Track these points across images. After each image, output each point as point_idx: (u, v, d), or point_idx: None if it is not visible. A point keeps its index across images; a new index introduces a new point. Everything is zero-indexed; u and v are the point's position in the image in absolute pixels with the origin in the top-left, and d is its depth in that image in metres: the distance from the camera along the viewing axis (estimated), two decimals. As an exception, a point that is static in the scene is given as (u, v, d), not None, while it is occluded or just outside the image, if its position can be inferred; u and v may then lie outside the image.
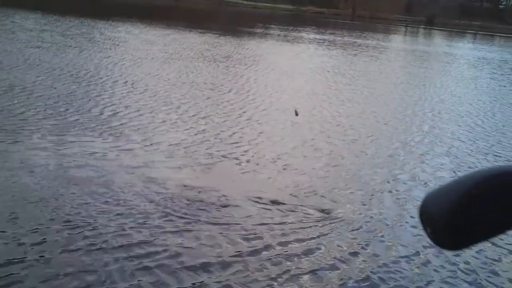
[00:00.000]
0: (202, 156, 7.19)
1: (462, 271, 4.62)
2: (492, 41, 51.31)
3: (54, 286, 3.78)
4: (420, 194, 6.33)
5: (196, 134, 8.26)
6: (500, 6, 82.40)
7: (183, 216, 5.12)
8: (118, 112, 9.10)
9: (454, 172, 7.55)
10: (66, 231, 4.57)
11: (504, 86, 18.37)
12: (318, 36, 34.31)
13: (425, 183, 6.94)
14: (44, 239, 4.40)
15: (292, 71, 16.73)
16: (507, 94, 16.43)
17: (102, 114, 8.89)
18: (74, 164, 6.30)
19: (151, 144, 7.48)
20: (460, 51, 33.93)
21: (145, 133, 8.01)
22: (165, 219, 5.02)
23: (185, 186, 5.94)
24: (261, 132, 8.76)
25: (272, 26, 42.01)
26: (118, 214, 5.01)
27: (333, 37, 35.00)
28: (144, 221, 4.92)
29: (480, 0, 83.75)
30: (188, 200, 5.54)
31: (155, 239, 4.59)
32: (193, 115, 9.48)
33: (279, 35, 33.37)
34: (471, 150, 8.93)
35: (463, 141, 9.54)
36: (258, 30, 34.82)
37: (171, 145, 7.55)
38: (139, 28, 26.48)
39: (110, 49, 17.03)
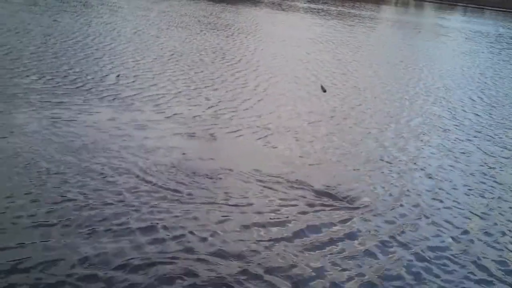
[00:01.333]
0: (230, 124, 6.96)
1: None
2: (483, 14, 51.11)
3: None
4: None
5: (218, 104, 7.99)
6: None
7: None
8: (131, 82, 8.77)
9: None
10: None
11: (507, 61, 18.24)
12: (312, 6, 33.76)
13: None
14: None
15: (296, 41, 16.39)
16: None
17: (112, 82, 8.56)
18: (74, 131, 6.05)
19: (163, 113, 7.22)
20: (454, 24, 33.71)
21: (158, 105, 7.72)
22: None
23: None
24: (279, 106, 8.53)
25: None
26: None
27: (327, 7, 34.48)
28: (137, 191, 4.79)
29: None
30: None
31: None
32: (206, 87, 9.19)
33: (273, 3, 32.72)
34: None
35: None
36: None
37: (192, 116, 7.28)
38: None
39: (107, 15, 16.46)
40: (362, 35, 20.93)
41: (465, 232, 4.90)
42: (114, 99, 7.67)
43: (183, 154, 5.87)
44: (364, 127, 7.94)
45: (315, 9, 31.24)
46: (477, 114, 9.62)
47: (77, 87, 8.01)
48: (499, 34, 28.83)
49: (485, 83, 13.06)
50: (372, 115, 8.68)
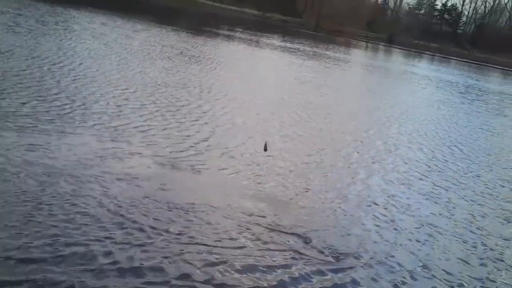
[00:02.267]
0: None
1: None
2: (450, 64, 52.98)
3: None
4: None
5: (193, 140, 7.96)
6: (458, 30, 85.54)
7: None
8: (118, 111, 8.67)
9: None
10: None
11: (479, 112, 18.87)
12: (288, 45, 34.38)
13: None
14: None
15: (278, 80, 16.60)
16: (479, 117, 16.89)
17: (99, 110, 8.45)
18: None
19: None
20: (424, 72, 34.74)
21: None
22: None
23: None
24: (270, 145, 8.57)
25: (240, 30, 41.79)
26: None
27: (302, 47, 35.16)
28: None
29: (439, 23, 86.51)
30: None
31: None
32: (195, 120, 9.17)
33: (250, 39, 33.18)
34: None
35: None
36: (234, 34, 34.60)
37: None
38: (113, 20, 25.63)
39: (90, 41, 16.35)
40: (339, 78, 21.37)
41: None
42: (100, 128, 7.56)
43: (161, 184, 5.84)
44: (353, 170, 8.05)
45: (291, 48, 31.79)
46: (456, 164, 9.88)
47: (64, 114, 7.86)
48: (468, 85, 29.89)
49: (460, 133, 13.44)
50: (357, 158, 8.81)
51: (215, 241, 4.79)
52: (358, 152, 9.22)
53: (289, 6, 76.86)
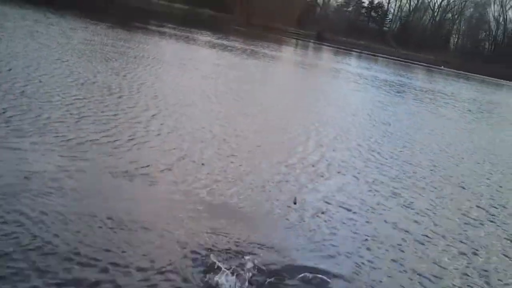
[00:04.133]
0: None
1: None
2: (377, 62, 54.04)
3: None
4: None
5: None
6: (384, 28, 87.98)
7: None
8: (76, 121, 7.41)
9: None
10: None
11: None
12: (219, 41, 33.46)
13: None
14: None
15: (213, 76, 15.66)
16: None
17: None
18: None
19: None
20: (357, 70, 34.89)
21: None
22: None
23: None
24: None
25: (174, 26, 40.34)
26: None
27: (235, 43, 34.37)
28: None
29: (366, 20, 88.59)
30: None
31: None
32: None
33: (188, 37, 31.92)
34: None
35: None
36: (169, 31, 33.24)
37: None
38: (46, 16, 23.61)
39: (28, 39, 14.65)
40: (273, 73, 20.72)
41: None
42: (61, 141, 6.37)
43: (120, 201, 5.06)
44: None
45: (226, 45, 30.83)
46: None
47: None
48: (402, 83, 30.25)
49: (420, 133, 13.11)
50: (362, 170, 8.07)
51: None
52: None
53: (219, 1, 75.68)
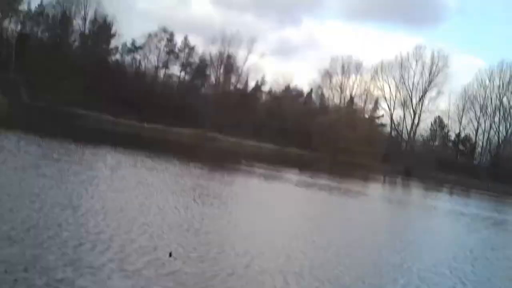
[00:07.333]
0: None
1: None
2: (476, 198, 51.95)
3: None
4: None
5: None
6: (474, 161, 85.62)
7: None
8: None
9: None
10: None
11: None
12: (309, 180, 34.12)
13: None
14: None
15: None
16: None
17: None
18: None
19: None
20: (459, 208, 33.81)
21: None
22: None
23: None
24: None
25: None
26: None
27: (328, 182, 34.92)
28: None
29: (455, 154, 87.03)
30: None
31: None
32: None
33: (267, 175, 33.03)
34: None
35: None
36: (255, 170, 34.72)
37: None
38: (143, 161, 25.70)
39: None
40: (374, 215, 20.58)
41: None
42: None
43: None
44: None
45: (324, 185, 31.39)
46: None
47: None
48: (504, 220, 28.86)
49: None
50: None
51: None
52: None
53: (305, 141, 78.17)
